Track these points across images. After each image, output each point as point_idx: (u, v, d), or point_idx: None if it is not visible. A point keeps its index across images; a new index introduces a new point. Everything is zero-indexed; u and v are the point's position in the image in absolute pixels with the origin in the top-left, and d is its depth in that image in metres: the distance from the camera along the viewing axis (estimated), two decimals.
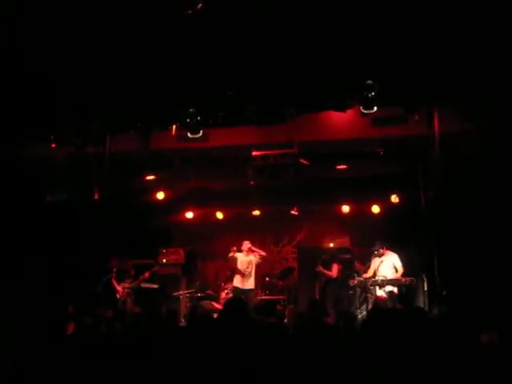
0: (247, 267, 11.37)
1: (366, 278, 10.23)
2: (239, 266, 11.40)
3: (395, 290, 9.95)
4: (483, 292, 8.20)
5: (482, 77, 7.59)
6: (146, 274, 11.42)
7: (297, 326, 6.59)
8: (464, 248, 8.68)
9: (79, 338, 5.62)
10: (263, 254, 11.66)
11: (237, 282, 11.35)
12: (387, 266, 10.25)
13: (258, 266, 11.60)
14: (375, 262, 10.35)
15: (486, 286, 8.29)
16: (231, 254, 11.49)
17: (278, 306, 11.21)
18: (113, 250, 10.14)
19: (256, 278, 12.75)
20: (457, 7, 6.53)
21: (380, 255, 10.31)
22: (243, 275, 11.31)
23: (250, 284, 11.34)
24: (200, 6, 5.92)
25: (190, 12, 6.02)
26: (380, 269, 10.27)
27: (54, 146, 9.48)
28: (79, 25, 6.86)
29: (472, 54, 7.23)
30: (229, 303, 5.89)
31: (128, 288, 11.29)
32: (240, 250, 11.52)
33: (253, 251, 11.50)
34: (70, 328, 6.32)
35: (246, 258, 11.44)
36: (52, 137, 9.38)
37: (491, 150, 8.58)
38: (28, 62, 7.51)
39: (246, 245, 11.50)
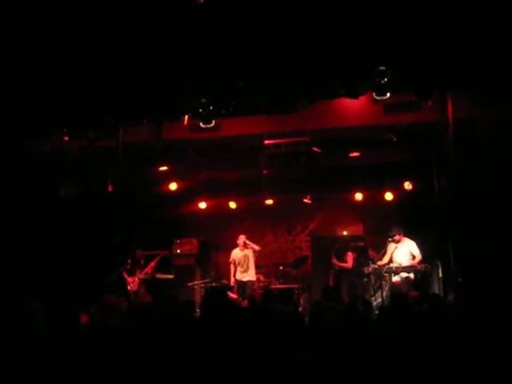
0: (244, 261, 11.47)
1: (380, 266, 10.21)
2: (236, 259, 11.54)
3: (411, 275, 9.93)
4: (498, 279, 8.16)
5: (495, 62, 7.52)
6: (152, 264, 11.47)
7: (313, 315, 6.62)
8: (478, 234, 8.63)
9: (93, 329, 5.65)
10: (257, 248, 11.74)
11: (237, 274, 11.49)
12: (403, 252, 10.22)
13: (269, 255, 11.62)
14: (390, 247, 10.32)
15: (501, 273, 8.24)
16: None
17: (294, 295, 11.22)
18: (127, 242, 10.19)
19: (269, 267, 12.84)
20: None
21: (396, 241, 10.27)
22: (241, 268, 11.44)
23: (249, 276, 11.46)
24: None
25: (202, 1, 6.00)
26: (395, 255, 10.24)
27: (66, 139, 9.51)
28: (91, 19, 6.88)
29: (486, 39, 7.15)
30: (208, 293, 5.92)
31: (141, 279, 11.34)
32: (236, 245, 11.63)
33: (247, 245, 11.59)
34: (84, 319, 6.35)
35: (242, 253, 11.55)
36: (65, 130, 9.41)
37: (505, 136, 8.50)
38: (40, 57, 7.53)
39: (241, 239, 11.59)
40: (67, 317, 5.03)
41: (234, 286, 11.45)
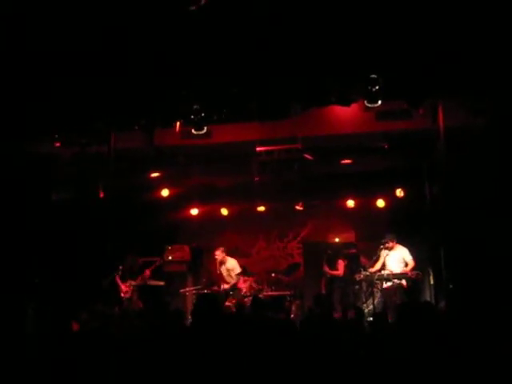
0: (227, 274, 11.73)
1: (372, 273, 10.23)
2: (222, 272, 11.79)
3: (403, 282, 9.95)
4: (489, 286, 8.19)
5: (486, 70, 7.56)
6: (147, 272, 11.42)
7: (304, 322, 6.61)
8: (470, 241, 8.67)
9: (84, 336, 5.63)
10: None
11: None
12: (395, 259, 10.24)
13: (261, 262, 11.65)
14: (382, 254, 10.34)
15: (491, 280, 8.27)
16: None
17: (285, 302, 11.22)
18: (118, 248, 10.15)
19: (261, 274, 12.84)
20: (461, 1, 6.51)
21: (389, 248, 10.29)
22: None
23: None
24: (204, 1, 5.90)
25: (194, 8, 6.00)
26: (387, 262, 10.27)
27: (58, 144, 9.49)
28: (81, 23, 6.86)
29: (477, 48, 7.19)
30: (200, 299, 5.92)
31: (133, 285, 11.29)
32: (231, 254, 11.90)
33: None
34: (75, 326, 6.33)
35: (223, 267, 11.78)
36: (56, 136, 9.39)
37: (495, 144, 8.55)
38: (31, 60, 7.51)
39: (217, 255, 11.85)
40: (59, 322, 5.02)
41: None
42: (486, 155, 8.66)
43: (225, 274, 11.68)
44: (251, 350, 4.72)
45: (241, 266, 12.20)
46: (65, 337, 5.06)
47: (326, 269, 11.40)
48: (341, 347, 4.86)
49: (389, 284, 10.06)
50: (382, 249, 10.37)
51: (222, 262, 11.74)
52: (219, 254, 11.77)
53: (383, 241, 10.35)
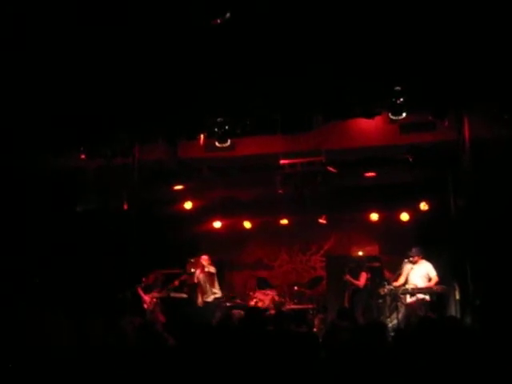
0: (205, 281, 11.61)
1: (396, 287, 10.10)
2: (199, 280, 11.65)
3: (427, 297, 9.81)
4: None
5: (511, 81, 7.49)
6: (176, 283, 11.45)
7: (327, 335, 6.55)
8: (496, 255, 8.52)
9: (106, 347, 5.65)
10: (212, 270, 11.80)
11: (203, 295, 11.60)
12: (419, 274, 10.12)
13: (283, 275, 11.53)
14: (406, 268, 10.22)
15: None
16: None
17: (308, 316, 11.13)
18: (142, 260, 10.20)
19: (284, 287, 12.78)
20: (485, 12, 6.46)
21: (414, 262, 10.16)
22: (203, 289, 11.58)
23: (210, 296, 11.57)
24: (228, 15, 5.95)
25: (218, 21, 6.05)
26: (410, 276, 10.14)
27: (83, 157, 9.59)
28: (109, 36, 6.95)
29: (502, 59, 7.13)
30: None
31: (157, 298, 11.32)
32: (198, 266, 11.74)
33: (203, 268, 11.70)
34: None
35: (203, 273, 11.66)
36: (82, 148, 9.50)
37: None
38: (58, 74, 7.62)
39: (203, 260, 11.73)
40: (80, 332, 5.05)
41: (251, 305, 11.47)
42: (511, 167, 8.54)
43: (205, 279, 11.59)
44: (274, 362, 4.69)
45: (261, 278, 12.17)
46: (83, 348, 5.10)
47: (349, 277, 11.31)
48: (364, 361, 4.81)
49: (413, 298, 9.92)
50: (406, 262, 10.25)
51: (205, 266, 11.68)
52: (206, 259, 11.74)
53: (410, 254, 10.22)
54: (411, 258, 10.17)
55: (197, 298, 11.68)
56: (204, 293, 11.54)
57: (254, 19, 6.64)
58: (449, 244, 10.19)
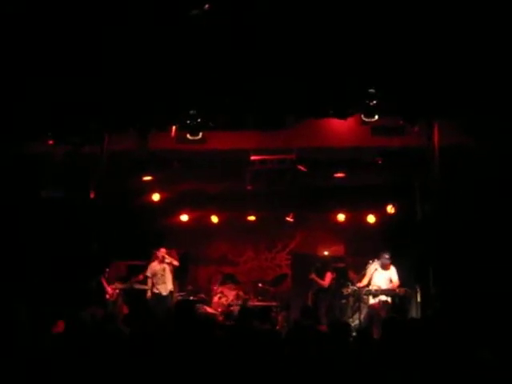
0: (162, 274, 11.47)
1: (359, 287, 10.20)
2: (153, 272, 11.50)
3: (389, 299, 9.92)
4: (477, 305, 8.19)
5: (482, 91, 7.61)
6: (141, 276, 11.36)
7: (289, 333, 6.57)
8: (458, 260, 8.67)
9: (69, 337, 5.57)
10: (175, 263, 11.76)
11: (154, 288, 11.45)
12: (383, 276, 10.23)
13: (248, 272, 11.54)
14: (370, 269, 10.31)
15: (480, 299, 8.28)
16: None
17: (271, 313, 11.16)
18: (106, 250, 10.08)
19: (248, 284, 12.78)
20: (460, 21, 6.55)
21: (384, 268, 10.22)
22: (158, 281, 11.43)
23: (166, 289, 11.45)
24: (207, 6, 5.90)
25: (197, 12, 5.99)
26: (374, 278, 10.24)
27: (51, 143, 9.41)
28: (79, 23, 6.84)
29: (474, 68, 7.24)
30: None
31: (119, 289, 11.22)
32: (155, 258, 11.61)
33: (165, 259, 11.60)
34: (60, 326, 6.26)
35: (160, 266, 11.51)
36: (50, 134, 9.31)
37: (489, 165, 8.59)
38: (26, 60, 7.47)
39: (162, 253, 11.58)
40: (44, 321, 4.96)
41: (215, 301, 11.44)
42: (478, 176, 8.69)
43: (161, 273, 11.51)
44: (236, 358, 4.68)
45: (229, 274, 12.13)
46: (48, 337, 5.01)
47: (314, 276, 11.36)
48: (325, 360, 4.84)
49: (376, 300, 10.03)
50: (370, 264, 10.35)
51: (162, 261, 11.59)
52: (165, 252, 11.67)
53: (381, 259, 10.25)
54: (382, 264, 10.23)
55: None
56: (157, 285, 11.42)
57: (232, 16, 6.62)
58: (412, 247, 10.33)
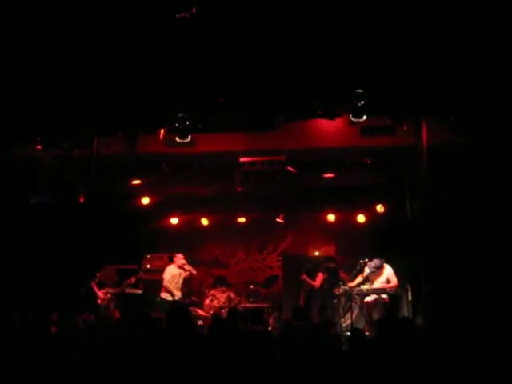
0: (178, 280, 11.29)
1: (351, 287, 10.21)
2: (171, 276, 11.30)
3: (384, 296, 9.94)
4: (467, 303, 8.24)
5: (470, 90, 7.66)
6: (132, 279, 11.30)
7: (281, 334, 6.58)
8: (449, 259, 8.72)
9: (61, 341, 5.55)
10: (194, 272, 11.57)
11: (164, 294, 11.21)
12: (380, 279, 10.23)
13: (239, 274, 11.49)
14: (366, 269, 10.29)
15: (470, 298, 8.33)
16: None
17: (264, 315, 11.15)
18: (97, 254, 10.04)
19: (240, 286, 12.78)
20: (447, 21, 6.59)
21: (378, 274, 10.23)
22: (173, 286, 11.25)
23: (178, 295, 11.26)
24: (194, 10, 5.90)
25: (184, 15, 6.00)
26: (371, 277, 10.23)
27: (39, 147, 9.36)
28: (68, 29, 6.82)
29: (462, 67, 7.29)
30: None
31: (111, 293, 11.16)
32: (172, 262, 11.47)
33: (183, 267, 11.40)
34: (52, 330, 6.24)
35: (178, 271, 11.35)
36: (38, 138, 9.27)
37: (478, 163, 8.64)
38: (16, 64, 7.44)
39: (179, 259, 11.41)
40: (34, 324, 4.94)
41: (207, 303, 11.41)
42: (467, 174, 8.74)
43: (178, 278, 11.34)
44: (228, 361, 4.68)
45: (220, 277, 12.09)
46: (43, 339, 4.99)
47: (305, 277, 11.36)
48: (317, 361, 4.85)
49: (368, 299, 10.05)
50: (363, 264, 10.35)
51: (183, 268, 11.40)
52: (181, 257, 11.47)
53: (374, 266, 10.23)
54: (375, 269, 10.23)
55: (158, 292, 11.40)
56: (172, 289, 11.17)
57: (221, 18, 6.63)
58: (403, 247, 10.37)
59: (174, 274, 11.27)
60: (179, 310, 5.89)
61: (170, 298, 11.07)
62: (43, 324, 5.38)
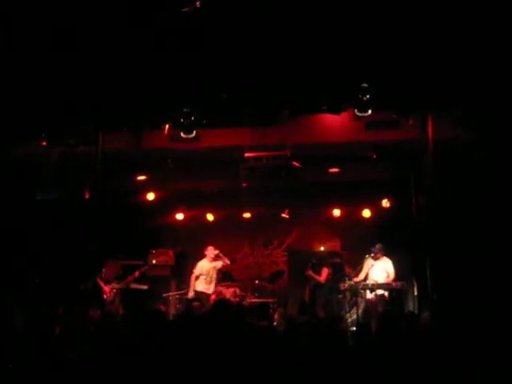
0: (211, 274, 11.30)
1: (356, 282, 10.20)
2: (203, 271, 11.30)
3: (386, 293, 9.94)
4: (473, 297, 8.22)
5: (476, 85, 7.63)
6: (137, 273, 11.28)
7: (287, 329, 6.58)
8: (455, 253, 8.69)
9: (66, 338, 5.56)
10: (228, 261, 11.57)
11: (200, 286, 11.23)
12: (379, 270, 10.23)
13: (245, 269, 11.48)
14: (367, 264, 10.31)
15: (476, 292, 8.30)
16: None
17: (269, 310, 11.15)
18: (102, 250, 10.05)
19: (245, 281, 12.77)
20: (453, 16, 6.56)
21: (376, 258, 10.26)
22: (206, 280, 11.25)
23: (211, 288, 11.28)
24: (198, 3, 5.89)
25: (188, 10, 5.98)
26: (371, 272, 10.25)
27: (45, 144, 9.38)
28: (72, 24, 6.82)
29: (467, 62, 7.25)
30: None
31: (116, 288, 11.17)
32: (204, 256, 11.47)
33: (219, 258, 11.41)
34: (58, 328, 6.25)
35: (210, 265, 11.36)
36: (44, 135, 9.29)
37: (483, 158, 8.61)
38: (21, 60, 7.45)
39: (211, 251, 11.41)
40: (40, 320, 4.94)
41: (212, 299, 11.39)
42: (472, 169, 8.71)
43: (210, 273, 11.31)
44: (233, 356, 4.68)
45: (226, 273, 12.09)
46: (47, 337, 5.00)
47: (310, 272, 11.36)
48: (323, 356, 4.84)
49: (373, 294, 10.04)
50: (367, 258, 10.34)
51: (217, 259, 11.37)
52: (211, 249, 11.42)
53: (373, 250, 10.29)
54: (373, 254, 10.25)
55: (164, 288, 11.45)
56: (204, 284, 11.18)
57: (224, 13, 6.61)
58: (409, 241, 10.34)
59: (207, 269, 11.26)
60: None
61: (210, 290, 11.15)
62: (48, 320, 5.38)
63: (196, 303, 11.04)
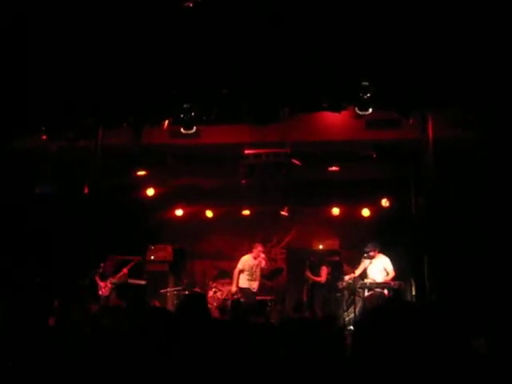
0: (255, 270, 11.21)
1: (354, 278, 10.18)
2: (245, 266, 11.21)
3: (385, 291, 9.94)
4: (472, 297, 8.21)
5: (477, 85, 7.60)
6: (125, 271, 11.27)
7: (281, 325, 6.56)
8: (453, 253, 8.69)
9: (62, 332, 5.54)
10: (267, 264, 11.54)
11: (245, 282, 11.14)
12: (377, 268, 10.23)
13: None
14: (365, 262, 10.32)
15: (474, 292, 8.29)
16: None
17: (266, 307, 11.14)
18: (100, 245, 10.05)
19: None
20: (454, 15, 6.54)
21: (371, 257, 10.27)
22: (250, 276, 11.15)
23: (255, 287, 11.20)
24: None
25: (188, 5, 5.97)
26: (369, 271, 10.25)
27: (44, 138, 9.36)
28: (72, 19, 6.80)
29: (468, 62, 7.23)
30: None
31: (113, 283, 11.18)
32: (250, 252, 11.40)
33: (260, 257, 11.31)
34: (52, 321, 6.24)
35: (254, 261, 11.27)
36: (43, 129, 9.27)
37: (484, 158, 8.59)
38: (20, 55, 7.43)
39: (260, 248, 11.35)
40: (36, 317, 4.93)
41: (210, 295, 11.39)
42: (473, 169, 8.69)
43: (253, 270, 11.20)
44: (229, 353, 4.67)
45: (224, 270, 12.09)
46: (41, 331, 4.99)
47: (309, 274, 11.36)
48: (318, 354, 4.82)
49: (371, 293, 10.04)
50: (365, 257, 10.36)
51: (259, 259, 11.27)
52: (259, 247, 11.35)
53: (366, 250, 10.32)
54: (367, 254, 10.26)
55: (162, 283, 11.45)
56: (248, 280, 11.09)
57: (225, 9, 6.59)
58: (407, 241, 10.34)
59: (250, 265, 11.20)
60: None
61: (253, 289, 11.06)
62: (44, 315, 5.38)
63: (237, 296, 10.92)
